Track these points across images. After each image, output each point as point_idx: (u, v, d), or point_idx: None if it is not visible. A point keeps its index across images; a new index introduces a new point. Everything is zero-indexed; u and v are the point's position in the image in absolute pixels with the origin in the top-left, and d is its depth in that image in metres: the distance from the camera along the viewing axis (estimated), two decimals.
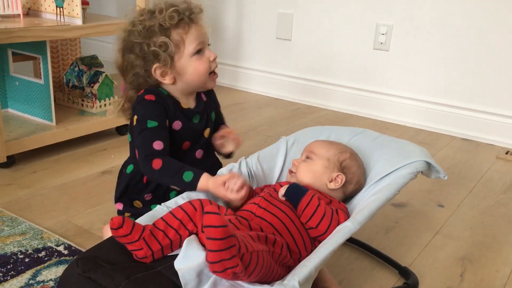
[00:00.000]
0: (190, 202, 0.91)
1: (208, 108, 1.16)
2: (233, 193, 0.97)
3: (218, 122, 1.22)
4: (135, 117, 1.06)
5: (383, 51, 2.28)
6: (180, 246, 0.88)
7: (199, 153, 1.14)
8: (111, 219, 0.84)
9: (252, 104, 2.50)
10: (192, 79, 1.08)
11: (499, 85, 2.05)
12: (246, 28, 2.69)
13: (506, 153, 1.94)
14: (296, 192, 0.94)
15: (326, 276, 1.03)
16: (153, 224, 0.88)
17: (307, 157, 1.07)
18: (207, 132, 1.15)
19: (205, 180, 1.00)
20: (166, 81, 1.08)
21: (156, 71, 1.06)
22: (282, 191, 0.95)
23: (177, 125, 1.09)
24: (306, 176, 1.04)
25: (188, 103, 1.13)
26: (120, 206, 1.14)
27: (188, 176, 1.00)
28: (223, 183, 0.98)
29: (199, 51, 1.07)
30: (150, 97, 1.06)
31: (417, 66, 2.22)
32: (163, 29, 1.04)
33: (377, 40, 2.29)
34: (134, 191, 1.13)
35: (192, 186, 1.00)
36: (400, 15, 2.21)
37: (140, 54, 1.05)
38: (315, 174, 1.03)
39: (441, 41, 2.13)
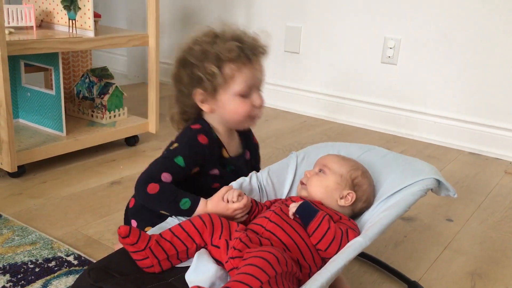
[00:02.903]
0: (199, 216, 0.91)
1: (245, 157, 1.16)
2: (235, 203, 0.97)
3: (252, 165, 1.19)
4: (175, 144, 1.05)
5: (391, 64, 2.30)
6: (187, 257, 0.88)
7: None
8: (119, 227, 0.85)
9: None
10: (229, 116, 1.06)
11: (507, 99, 2.05)
12: None
13: None
14: (306, 212, 0.93)
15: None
16: (160, 234, 0.89)
17: (320, 170, 1.07)
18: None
19: (203, 206, 0.98)
20: (204, 108, 1.06)
21: (197, 95, 1.05)
22: (292, 209, 0.94)
23: (214, 172, 1.08)
24: (318, 190, 1.04)
25: (231, 145, 1.11)
26: (134, 223, 1.11)
27: (185, 203, 0.98)
28: (222, 198, 0.98)
29: (245, 94, 1.04)
30: (202, 139, 1.04)
31: (425, 80, 2.22)
32: (217, 59, 1.01)
33: (385, 54, 2.30)
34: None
35: (189, 213, 0.98)
36: (408, 29, 2.22)
37: (189, 73, 1.04)
38: (327, 190, 1.04)
39: (449, 55, 2.14)
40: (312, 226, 0.91)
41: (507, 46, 2.01)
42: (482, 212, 1.57)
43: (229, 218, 0.98)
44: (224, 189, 1.00)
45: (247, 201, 0.98)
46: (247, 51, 1.02)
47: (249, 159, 1.19)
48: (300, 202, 0.95)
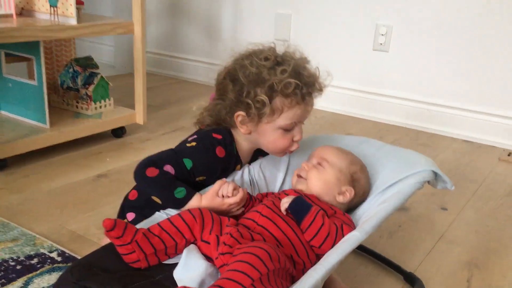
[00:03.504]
0: (189, 210, 0.87)
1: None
2: (231, 198, 0.94)
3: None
4: (193, 143, 1.00)
5: (383, 52, 2.26)
6: (176, 253, 0.84)
7: None
8: (104, 220, 0.81)
9: None
10: (266, 145, 1.03)
11: (500, 86, 2.02)
12: (244, 29, 2.65)
13: (509, 155, 1.92)
14: (299, 208, 0.89)
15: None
16: (148, 228, 0.84)
17: (319, 164, 1.03)
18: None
19: (197, 200, 0.94)
20: (242, 130, 1.01)
21: (239, 117, 0.99)
22: (285, 204, 0.90)
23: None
24: (317, 185, 0.99)
25: (244, 158, 1.08)
26: (132, 215, 1.06)
27: (180, 192, 0.94)
28: (216, 193, 0.94)
29: (289, 129, 1.00)
30: (221, 152, 0.99)
31: (417, 67, 2.19)
32: (271, 89, 0.95)
33: (376, 41, 2.26)
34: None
35: (181, 203, 0.94)
36: (400, 16, 2.18)
37: (237, 92, 0.98)
38: (327, 185, 0.99)
39: (441, 41, 2.11)
40: (305, 222, 0.88)
41: (501, 32, 1.98)
42: (477, 200, 1.54)
43: (224, 213, 0.95)
44: (218, 183, 0.96)
45: (243, 195, 0.95)
46: (303, 90, 0.97)
47: None
48: (292, 197, 0.91)
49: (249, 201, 0.99)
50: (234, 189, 0.94)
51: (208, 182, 1.00)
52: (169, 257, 0.84)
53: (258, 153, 1.13)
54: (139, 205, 1.05)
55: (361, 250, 1.20)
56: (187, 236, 0.84)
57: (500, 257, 1.23)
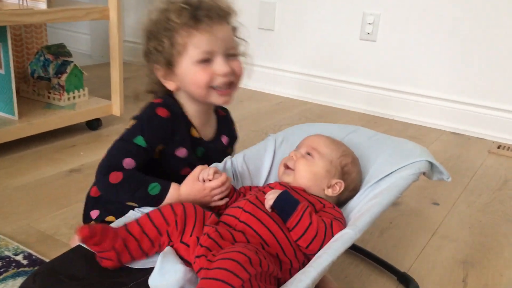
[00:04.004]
0: (171, 205, 0.80)
1: (220, 142, 1.04)
2: (212, 181, 0.87)
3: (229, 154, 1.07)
4: (133, 121, 0.93)
5: (370, 41, 2.19)
6: (152, 249, 0.77)
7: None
8: (77, 229, 0.73)
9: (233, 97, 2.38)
10: (190, 89, 0.93)
11: (489, 77, 1.98)
12: None
13: (498, 147, 1.87)
14: (285, 205, 0.81)
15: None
16: (128, 227, 0.77)
17: (308, 153, 0.95)
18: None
19: (174, 190, 0.88)
20: (168, 86, 0.95)
21: (158, 72, 0.95)
22: (269, 201, 0.82)
23: (181, 152, 0.95)
24: (305, 176, 0.92)
25: (205, 128, 1.00)
26: (96, 212, 0.99)
27: (154, 188, 0.87)
28: (197, 178, 0.88)
29: (206, 60, 0.91)
30: (162, 112, 0.92)
31: (405, 57, 2.13)
32: (167, 28, 0.90)
33: (363, 30, 2.19)
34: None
35: (159, 199, 0.87)
36: (388, 4, 2.12)
37: (144, 48, 0.94)
38: (316, 177, 0.92)
39: (430, 31, 2.05)
40: (291, 221, 0.80)
41: (490, 23, 1.93)
42: (469, 194, 1.49)
43: (207, 203, 0.88)
44: (198, 168, 0.89)
45: (225, 178, 0.88)
46: (199, 13, 0.89)
47: (226, 145, 1.07)
48: (278, 191, 0.83)
49: (233, 192, 0.92)
50: (215, 172, 0.88)
51: (168, 150, 0.93)
52: (147, 255, 0.77)
53: (223, 124, 1.06)
54: (102, 200, 0.98)
55: (352, 248, 1.13)
56: (164, 235, 0.78)
57: (495, 254, 1.18)
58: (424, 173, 0.97)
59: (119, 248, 0.74)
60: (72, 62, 1.73)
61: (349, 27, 2.23)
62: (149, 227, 0.78)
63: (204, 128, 1.00)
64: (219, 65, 0.91)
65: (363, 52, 2.22)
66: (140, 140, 0.90)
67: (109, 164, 0.89)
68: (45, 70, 1.73)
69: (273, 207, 0.82)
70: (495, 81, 1.97)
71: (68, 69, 1.71)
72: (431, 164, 0.97)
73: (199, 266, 0.71)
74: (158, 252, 0.77)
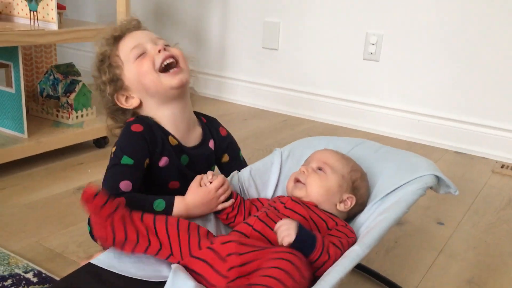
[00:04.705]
0: (178, 220, 0.82)
1: (207, 149, 1.04)
2: (214, 181, 0.91)
3: (232, 168, 1.07)
4: (114, 147, 0.95)
5: (373, 61, 2.22)
6: (144, 252, 0.79)
7: None
8: (87, 186, 0.77)
9: (237, 116, 2.40)
10: (144, 85, 0.97)
11: (492, 97, 2.00)
12: (232, 37, 2.60)
13: (502, 167, 1.89)
14: (303, 246, 0.78)
15: None
16: (130, 212, 0.80)
17: (319, 168, 0.96)
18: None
19: (180, 202, 0.90)
20: (134, 103, 0.99)
21: (118, 100, 1.00)
22: (286, 238, 0.77)
23: (163, 162, 0.96)
24: (318, 192, 0.93)
25: (185, 137, 1.01)
26: None
27: (159, 205, 0.89)
28: (199, 184, 0.92)
29: (140, 55, 0.97)
30: (136, 127, 0.95)
31: (408, 77, 2.16)
32: (101, 61, 0.99)
33: (367, 50, 2.22)
34: None
35: (166, 214, 0.89)
36: (391, 25, 2.15)
37: (98, 88, 1.02)
38: (328, 192, 0.93)
39: (432, 51, 2.08)
40: (310, 259, 0.79)
41: (493, 42, 1.96)
42: (473, 214, 1.50)
43: (215, 206, 0.92)
44: (197, 177, 0.93)
45: (223, 178, 0.93)
46: (120, 33, 1.00)
47: (214, 149, 1.06)
48: (290, 223, 0.79)
49: (236, 195, 0.95)
50: (213, 175, 0.92)
51: (153, 163, 0.96)
52: (133, 253, 0.79)
53: (208, 128, 1.07)
54: None
55: (358, 268, 1.14)
56: (163, 240, 0.80)
57: (500, 274, 1.18)
58: (431, 187, 0.98)
59: (116, 221, 0.77)
60: (81, 81, 1.76)
61: (352, 47, 2.26)
62: (148, 221, 0.80)
63: (185, 135, 1.01)
64: (150, 48, 0.97)
65: (366, 71, 2.25)
66: (126, 159, 0.92)
67: (109, 192, 0.91)
68: (54, 89, 1.76)
69: (292, 246, 0.78)
70: (499, 101, 1.99)
71: (77, 88, 1.73)
72: (438, 178, 0.98)
73: (238, 274, 0.73)
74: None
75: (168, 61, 0.96)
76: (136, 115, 1.01)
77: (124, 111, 1.02)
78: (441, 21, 2.04)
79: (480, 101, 2.02)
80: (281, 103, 2.50)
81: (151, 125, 0.96)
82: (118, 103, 1.00)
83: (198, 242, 0.80)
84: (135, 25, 1.02)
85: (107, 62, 0.99)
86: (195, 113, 1.07)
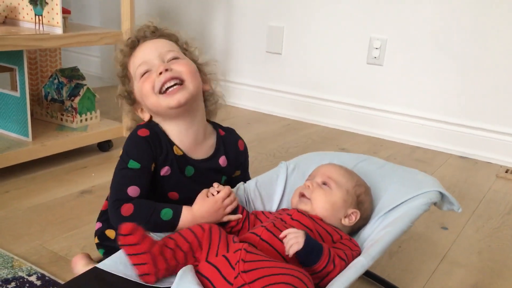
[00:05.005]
0: (200, 224, 0.83)
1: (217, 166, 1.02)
2: (221, 192, 0.91)
3: (239, 181, 1.07)
4: (122, 151, 0.96)
5: (377, 65, 2.22)
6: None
7: None
8: (123, 224, 0.77)
9: (241, 120, 2.40)
10: (146, 105, 0.97)
11: (496, 101, 1.99)
12: (235, 41, 2.61)
13: (506, 172, 1.88)
14: (309, 256, 0.79)
15: None
16: (163, 240, 0.80)
17: (324, 183, 0.97)
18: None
19: (187, 211, 0.90)
20: (144, 117, 1.01)
21: (136, 111, 1.02)
22: (294, 247, 0.78)
23: (164, 171, 0.95)
24: (323, 207, 0.93)
25: (194, 148, 0.98)
26: (99, 225, 1.04)
27: (166, 214, 0.89)
28: (205, 195, 0.92)
29: (146, 72, 0.95)
30: (142, 132, 0.94)
31: (412, 81, 2.16)
32: (123, 68, 1.00)
33: (370, 55, 2.22)
34: None
35: (173, 223, 0.89)
36: (395, 29, 2.15)
37: (120, 93, 1.03)
38: (333, 207, 0.93)
39: (436, 55, 2.08)
40: (316, 267, 0.80)
41: (496, 47, 1.95)
42: (477, 219, 1.49)
43: (221, 217, 0.91)
44: (204, 190, 0.93)
45: (229, 189, 0.93)
46: (137, 40, 0.99)
47: (223, 166, 1.02)
48: (297, 233, 0.80)
49: (242, 209, 0.95)
50: (218, 185, 0.93)
51: (157, 169, 0.95)
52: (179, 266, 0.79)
53: (223, 143, 1.04)
54: (103, 213, 1.02)
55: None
56: (197, 254, 0.80)
57: (505, 280, 1.18)
58: (435, 204, 0.99)
59: (156, 252, 0.76)
60: (85, 85, 1.77)
61: (356, 51, 2.26)
62: (182, 242, 0.80)
63: (192, 147, 0.99)
64: (155, 66, 0.95)
65: (370, 76, 2.25)
66: (133, 164, 0.92)
67: (116, 197, 0.91)
68: (59, 92, 1.77)
69: (298, 255, 0.79)
70: (503, 105, 1.98)
71: (81, 92, 1.74)
72: (442, 195, 0.99)
73: (244, 281, 0.73)
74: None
75: (168, 84, 0.93)
76: (146, 123, 1.00)
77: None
78: (445, 25, 2.04)
79: (484, 106, 2.02)
80: (285, 107, 2.50)
81: (158, 132, 0.96)
82: (137, 113, 1.03)
83: (217, 247, 0.81)
84: (152, 32, 1.00)
85: (125, 72, 1.00)
86: (213, 124, 1.06)
